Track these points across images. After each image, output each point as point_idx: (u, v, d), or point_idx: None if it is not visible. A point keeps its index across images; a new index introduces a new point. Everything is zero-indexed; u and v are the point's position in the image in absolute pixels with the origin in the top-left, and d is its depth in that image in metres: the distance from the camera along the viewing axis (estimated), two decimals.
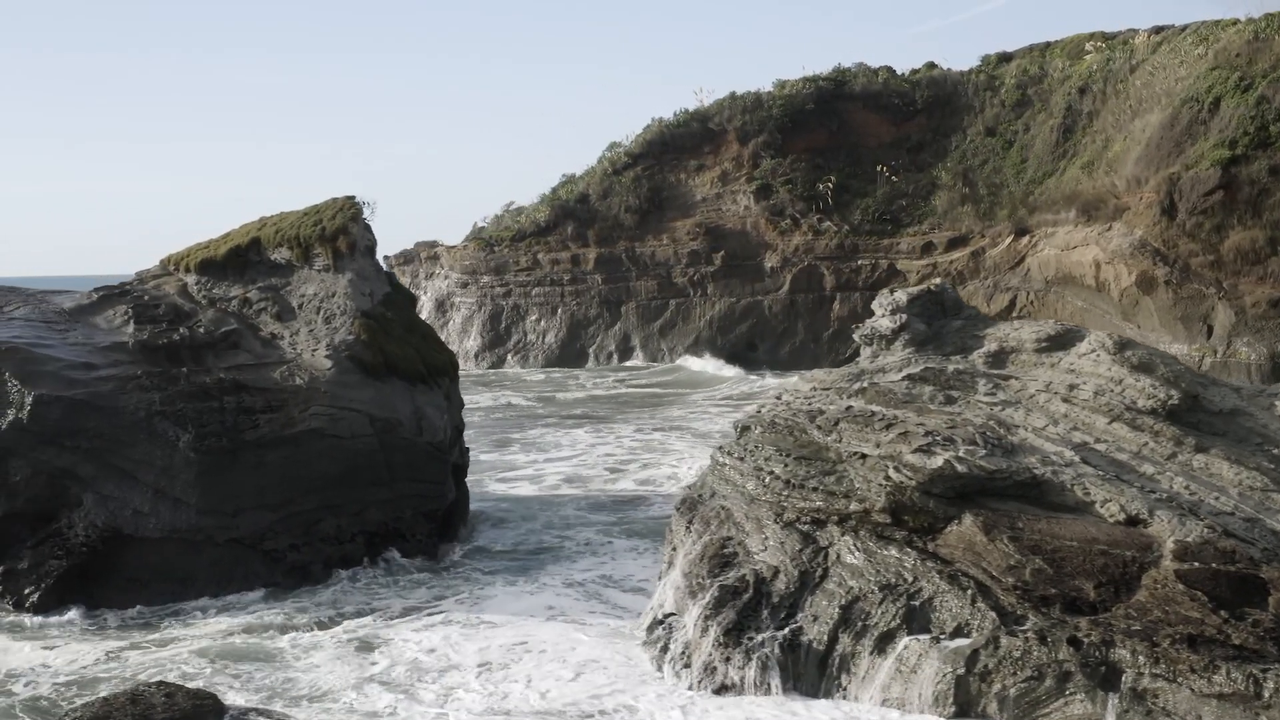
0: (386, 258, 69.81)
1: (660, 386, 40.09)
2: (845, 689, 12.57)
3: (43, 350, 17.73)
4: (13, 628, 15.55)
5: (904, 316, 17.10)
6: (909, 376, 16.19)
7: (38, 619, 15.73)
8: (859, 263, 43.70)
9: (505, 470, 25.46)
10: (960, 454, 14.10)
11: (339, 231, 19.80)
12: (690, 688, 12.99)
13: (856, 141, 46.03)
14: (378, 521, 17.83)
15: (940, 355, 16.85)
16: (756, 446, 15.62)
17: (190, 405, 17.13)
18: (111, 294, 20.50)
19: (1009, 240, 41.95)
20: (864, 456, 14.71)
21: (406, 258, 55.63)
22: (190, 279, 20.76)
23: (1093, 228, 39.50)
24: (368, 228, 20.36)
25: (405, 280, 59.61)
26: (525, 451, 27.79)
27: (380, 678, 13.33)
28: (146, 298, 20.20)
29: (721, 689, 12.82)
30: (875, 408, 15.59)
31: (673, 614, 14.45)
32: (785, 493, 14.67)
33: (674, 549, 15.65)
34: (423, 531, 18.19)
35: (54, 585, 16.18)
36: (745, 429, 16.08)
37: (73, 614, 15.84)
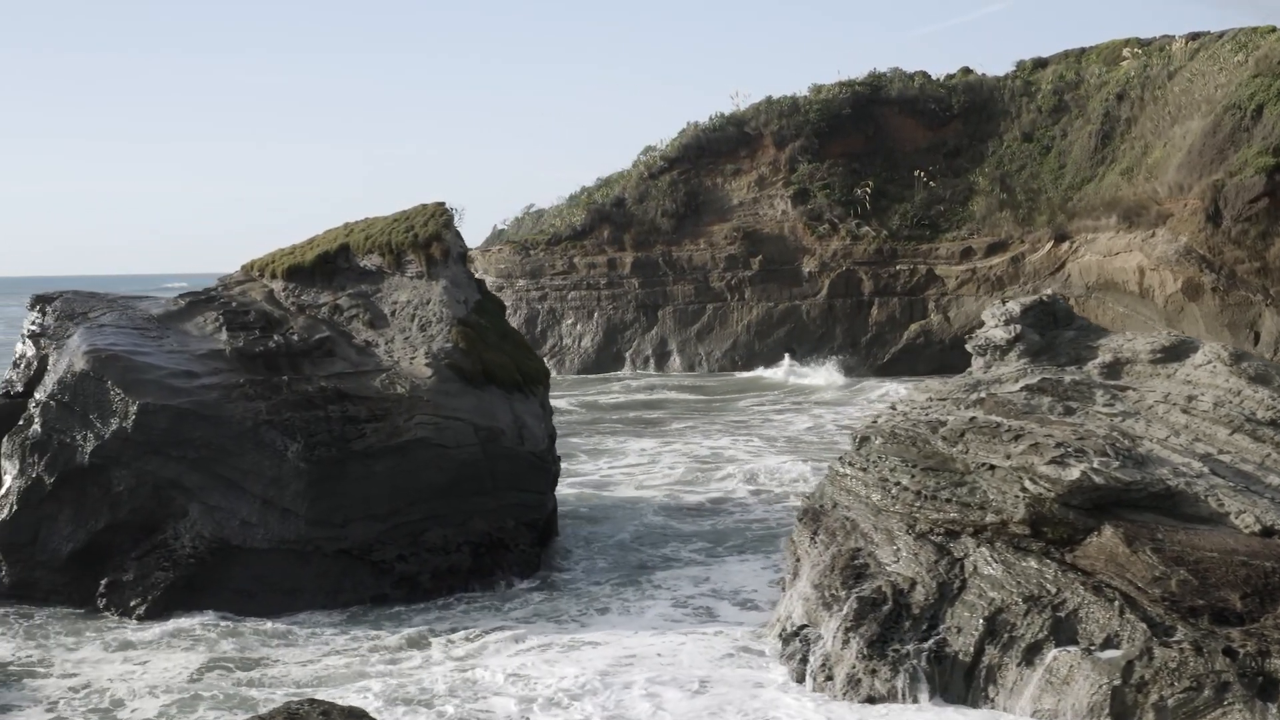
0: None
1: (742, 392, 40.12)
2: (993, 700, 12.61)
3: (142, 358, 17.56)
4: (120, 641, 15.37)
5: (1018, 327, 17.07)
6: (1027, 387, 16.17)
7: (143, 632, 15.56)
8: (897, 268, 43.72)
9: (570, 476, 25.39)
10: (1094, 465, 14.08)
11: (432, 238, 19.67)
12: (834, 699, 13.00)
13: (893, 146, 46.06)
14: (482, 532, 17.67)
15: (1055, 366, 16.84)
16: (879, 457, 15.56)
17: (297, 414, 16.98)
18: (198, 300, 20.34)
19: (1049, 246, 42.01)
20: (993, 468, 14.65)
21: None
22: (276, 285, 20.62)
23: (1135, 234, 39.58)
24: (458, 234, 20.25)
25: None
26: (593, 459, 27.68)
27: (498, 691, 13.12)
28: (234, 304, 20.05)
29: (868, 700, 12.85)
30: (997, 418, 15.54)
31: (805, 625, 14.40)
32: (917, 504, 14.62)
33: (798, 560, 15.61)
34: (525, 541, 18.05)
35: (160, 596, 16.03)
36: (864, 440, 16.02)
37: (178, 625, 15.69)
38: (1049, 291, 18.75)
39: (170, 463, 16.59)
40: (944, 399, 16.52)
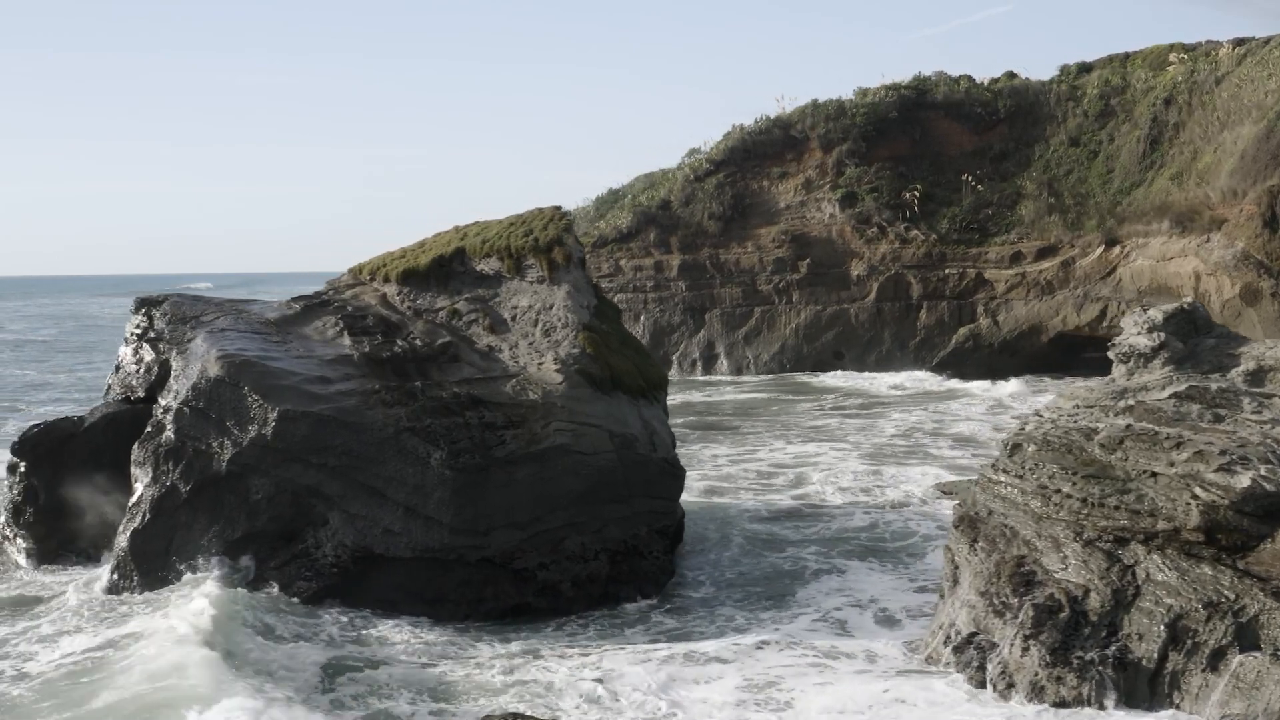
0: None
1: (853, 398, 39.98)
2: (1178, 705, 12.84)
3: (274, 363, 17.36)
4: (261, 649, 15.17)
5: (1162, 335, 17.00)
6: (1175, 395, 16.09)
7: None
8: (946, 271, 43.70)
9: None
10: (1262, 473, 14.07)
11: (553, 242, 19.50)
12: (1018, 706, 13.00)
13: (939, 150, 46.03)
14: (617, 539, 17.49)
15: (1198, 373, 16.80)
16: (1035, 465, 15.48)
17: (437, 421, 16.78)
18: (313, 304, 20.12)
19: (1099, 250, 42.03)
20: (1155, 475, 14.58)
21: None
22: (390, 289, 20.41)
23: (1189, 239, 39.63)
24: (576, 239, 20.10)
25: None
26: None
27: (654, 711, 12.94)
28: (350, 308, 19.87)
29: (1054, 706, 12.94)
30: (1152, 426, 15.49)
31: (975, 633, 14.33)
32: (1083, 511, 14.55)
33: (956, 567, 15.52)
34: (659, 548, 17.88)
35: (303, 605, 15.86)
36: (1016, 447, 15.93)
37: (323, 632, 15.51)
38: (1189, 300, 18.65)
39: (310, 470, 16.38)
40: (1091, 406, 16.43)
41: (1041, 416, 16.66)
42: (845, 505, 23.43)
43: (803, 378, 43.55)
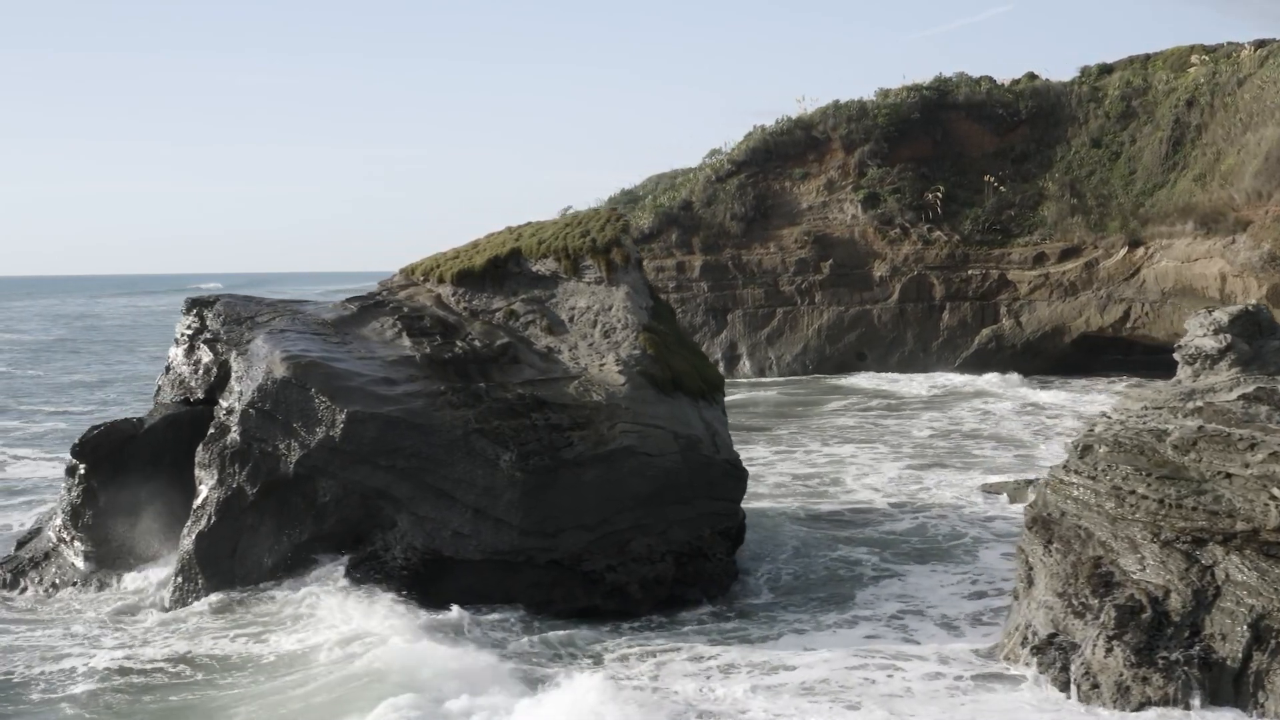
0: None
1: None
2: (1263, 705, 13.07)
3: (339, 365, 17.31)
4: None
5: (1228, 337, 17.00)
6: (1244, 396, 16.08)
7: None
8: (969, 272, 43.74)
9: None
10: None
11: (611, 243, 19.46)
12: (1102, 707, 13.02)
13: (960, 151, 46.05)
14: (682, 541, 17.43)
15: (1265, 375, 16.81)
16: (1108, 466, 15.48)
17: (505, 423, 16.72)
18: (368, 305, 20.05)
19: (1123, 251, 42.08)
20: (1230, 476, 14.60)
21: None
22: (444, 290, 20.35)
23: (1214, 240, 39.70)
24: (633, 240, 20.06)
25: None
26: None
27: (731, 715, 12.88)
28: (406, 309, 19.81)
29: (1139, 707, 12.98)
30: (1224, 427, 15.50)
31: (1054, 634, 14.34)
32: (1160, 512, 14.55)
33: (1031, 568, 15.53)
34: (722, 550, 17.84)
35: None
36: (1087, 448, 15.94)
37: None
38: (1253, 302, 18.68)
39: (379, 472, 16.32)
40: (1159, 407, 16.43)
41: (1110, 418, 16.65)
42: (890, 508, 23.40)
43: (828, 379, 43.53)
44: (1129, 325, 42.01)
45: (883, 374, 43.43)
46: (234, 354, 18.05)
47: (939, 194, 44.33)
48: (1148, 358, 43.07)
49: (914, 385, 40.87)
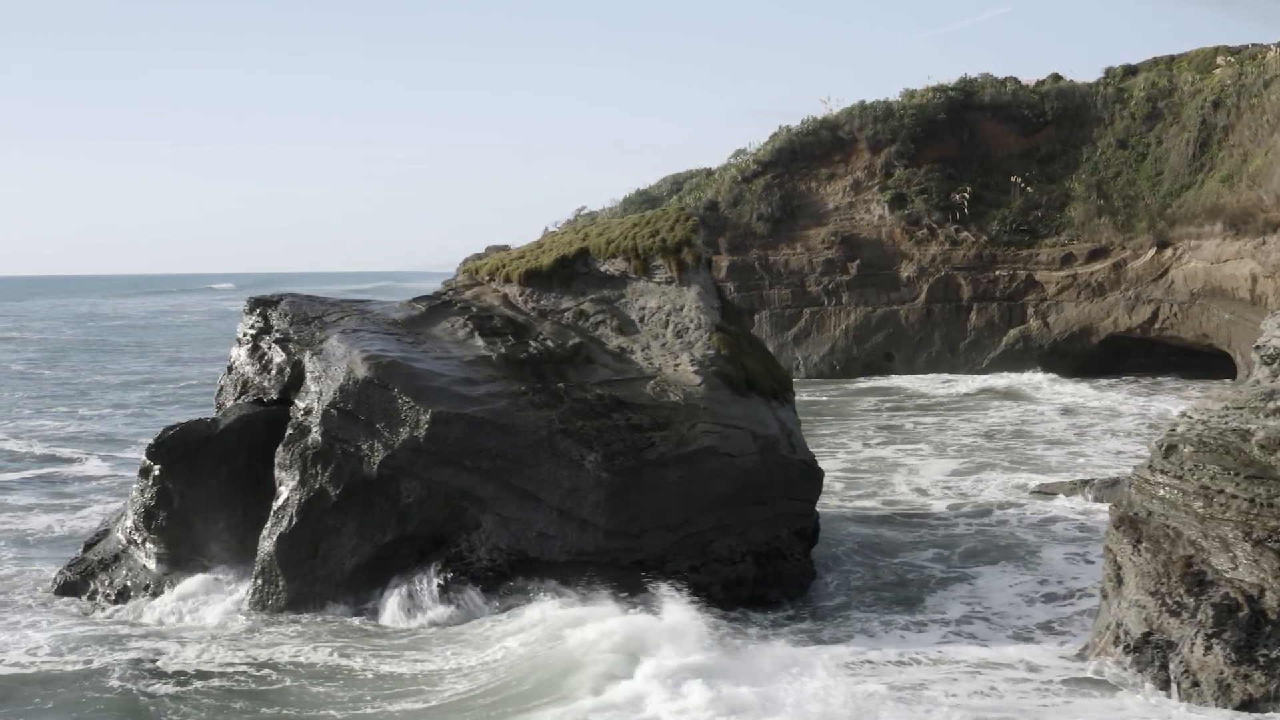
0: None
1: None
2: None
3: (419, 365, 17.15)
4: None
5: None
6: None
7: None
8: (997, 273, 43.71)
9: None
10: None
11: (682, 243, 19.32)
12: (1203, 705, 12.99)
13: (986, 152, 46.04)
14: (761, 542, 17.32)
15: None
16: (1195, 466, 15.41)
17: (589, 423, 16.58)
18: (436, 305, 19.90)
19: (1151, 253, 42.09)
20: None
21: None
22: (511, 289, 20.20)
23: (1244, 241, 39.70)
24: (703, 240, 19.92)
25: None
26: None
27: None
28: (474, 309, 19.65)
29: (1241, 706, 12.99)
30: None
31: (1150, 633, 14.27)
32: (1251, 511, 14.49)
33: (1119, 568, 15.47)
34: (799, 551, 17.74)
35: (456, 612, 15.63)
36: (1171, 448, 15.89)
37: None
38: None
39: (463, 473, 16.16)
40: (1240, 407, 16.38)
41: (1191, 418, 16.59)
42: (947, 510, 23.29)
43: (856, 379, 43.45)
44: (1157, 326, 42.02)
45: (913, 374, 43.36)
46: (308, 354, 17.86)
47: (966, 194, 44.31)
48: (1174, 359, 43.13)
49: (946, 385, 40.82)
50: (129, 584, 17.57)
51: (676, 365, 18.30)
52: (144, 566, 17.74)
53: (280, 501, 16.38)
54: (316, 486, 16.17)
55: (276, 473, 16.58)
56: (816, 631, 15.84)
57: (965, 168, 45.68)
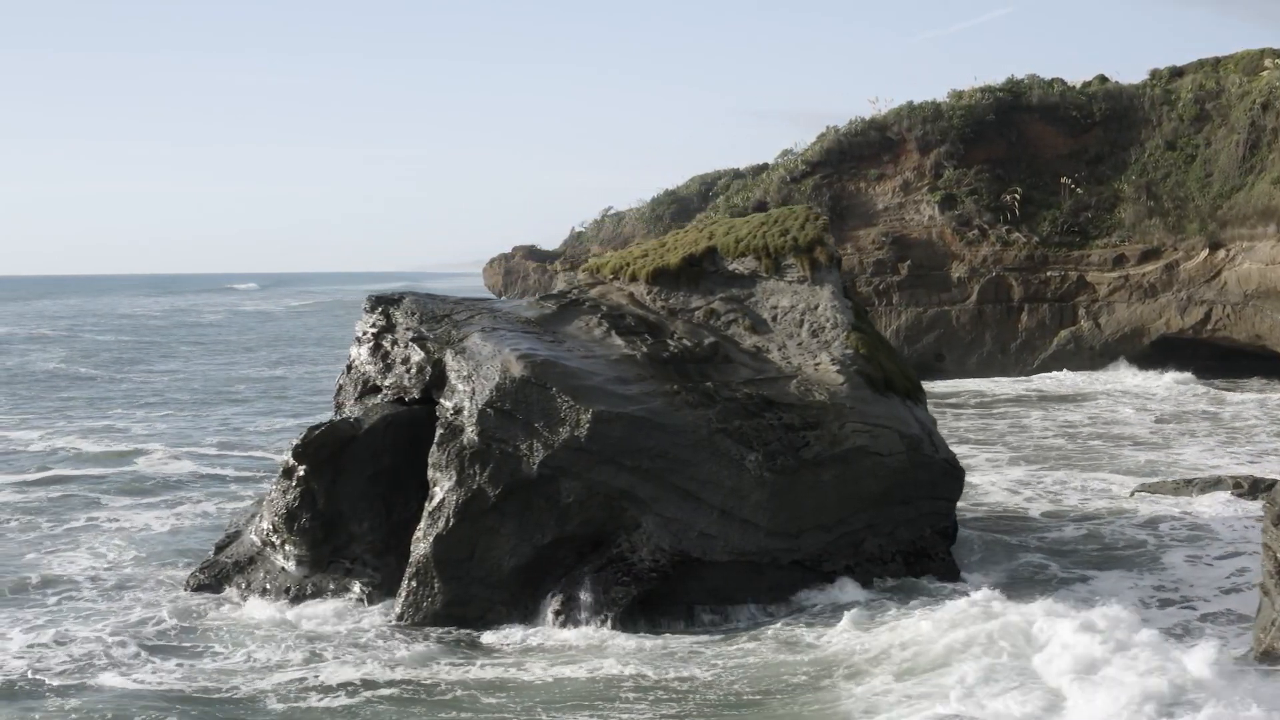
0: (550, 264, 68.46)
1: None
2: None
3: (570, 364, 16.99)
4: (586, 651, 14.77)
5: None
6: None
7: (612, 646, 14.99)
8: (1048, 274, 43.81)
9: None
10: None
11: (814, 242, 19.22)
12: None
13: (1034, 153, 46.16)
14: (907, 541, 17.28)
15: None
16: None
17: (745, 422, 16.48)
18: (566, 303, 19.75)
19: (1203, 254, 42.22)
20: None
21: (572, 262, 54.89)
22: (637, 288, 20.05)
23: None
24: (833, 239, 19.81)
25: None
26: None
27: None
28: (604, 308, 19.48)
29: None
30: None
31: None
32: None
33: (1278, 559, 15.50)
34: (942, 550, 17.69)
35: (622, 613, 15.46)
36: None
37: (638, 641, 15.11)
38: None
39: (623, 473, 16.01)
40: None
41: None
42: (1046, 511, 23.14)
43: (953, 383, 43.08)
44: (1209, 327, 42.14)
45: (963, 376, 43.34)
46: (448, 352, 17.67)
47: (1017, 195, 44.37)
48: (1224, 361, 43.19)
49: (1002, 385, 40.82)
50: (267, 586, 17.35)
51: (816, 365, 18.19)
52: (282, 569, 17.53)
53: (435, 502, 16.18)
54: (474, 487, 15.98)
55: (430, 473, 16.39)
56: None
57: (1014, 168, 45.77)
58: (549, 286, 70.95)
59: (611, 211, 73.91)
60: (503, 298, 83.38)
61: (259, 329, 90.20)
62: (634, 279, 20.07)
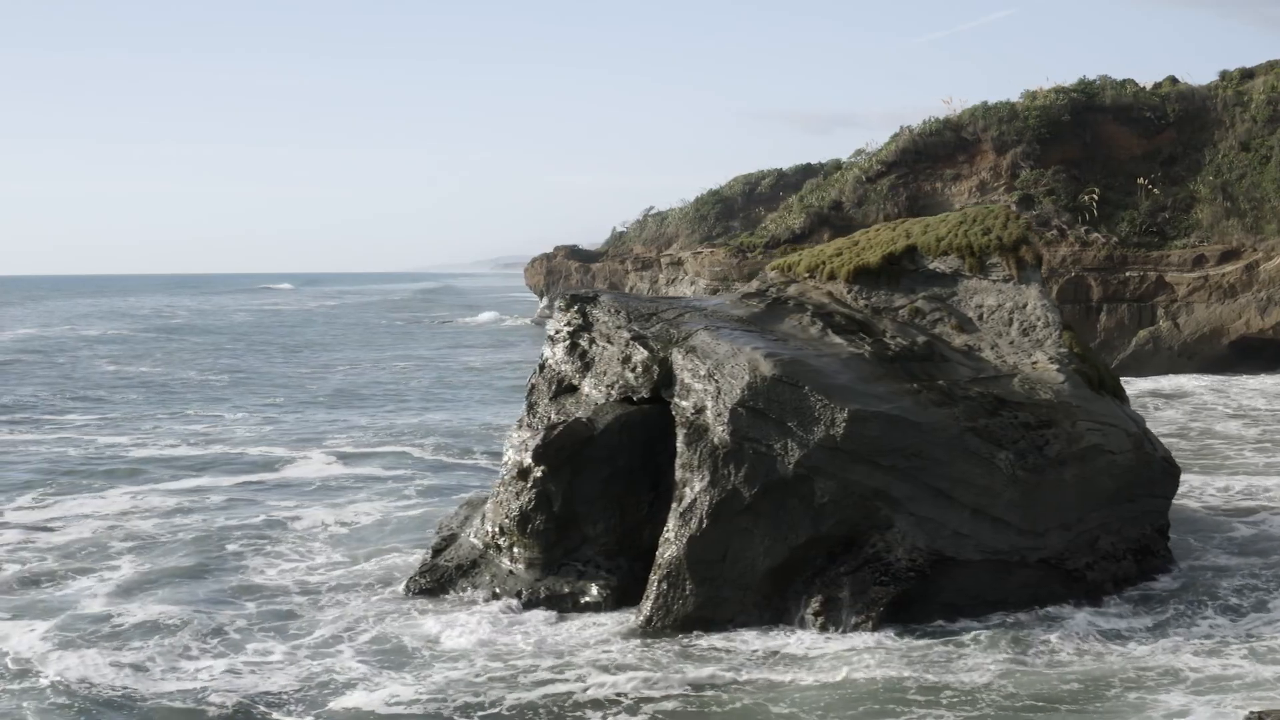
0: (623, 262, 68.11)
1: None
2: None
3: (814, 363, 17.00)
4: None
5: None
6: None
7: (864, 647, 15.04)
8: (1127, 274, 44.09)
9: None
10: None
11: (1019, 241, 19.33)
12: None
13: (1109, 154, 46.45)
14: (1132, 538, 17.43)
15: None
16: None
17: (990, 421, 16.56)
18: (771, 301, 19.75)
19: None
20: None
21: (644, 263, 54.84)
22: (836, 286, 20.10)
23: None
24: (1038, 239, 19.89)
25: (644, 287, 57.91)
26: None
27: None
28: (811, 306, 19.49)
29: None
30: None
31: None
32: None
33: None
34: (1161, 548, 17.84)
35: (882, 613, 15.50)
36: None
37: (886, 639, 15.17)
38: None
39: (878, 472, 16.07)
40: None
41: None
42: (1210, 508, 23.25)
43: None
44: None
45: None
46: (675, 351, 17.63)
47: (1095, 196, 44.64)
48: None
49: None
50: (496, 590, 17.23)
51: (1034, 363, 18.28)
52: (510, 572, 17.43)
53: (686, 503, 16.16)
54: (729, 487, 15.98)
55: (679, 473, 16.37)
56: (1212, 633, 15.71)
57: (1089, 169, 46.05)
58: (590, 286, 70.79)
59: (654, 211, 73.92)
60: (544, 300, 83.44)
61: (334, 326, 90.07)
62: (832, 277, 20.12)
